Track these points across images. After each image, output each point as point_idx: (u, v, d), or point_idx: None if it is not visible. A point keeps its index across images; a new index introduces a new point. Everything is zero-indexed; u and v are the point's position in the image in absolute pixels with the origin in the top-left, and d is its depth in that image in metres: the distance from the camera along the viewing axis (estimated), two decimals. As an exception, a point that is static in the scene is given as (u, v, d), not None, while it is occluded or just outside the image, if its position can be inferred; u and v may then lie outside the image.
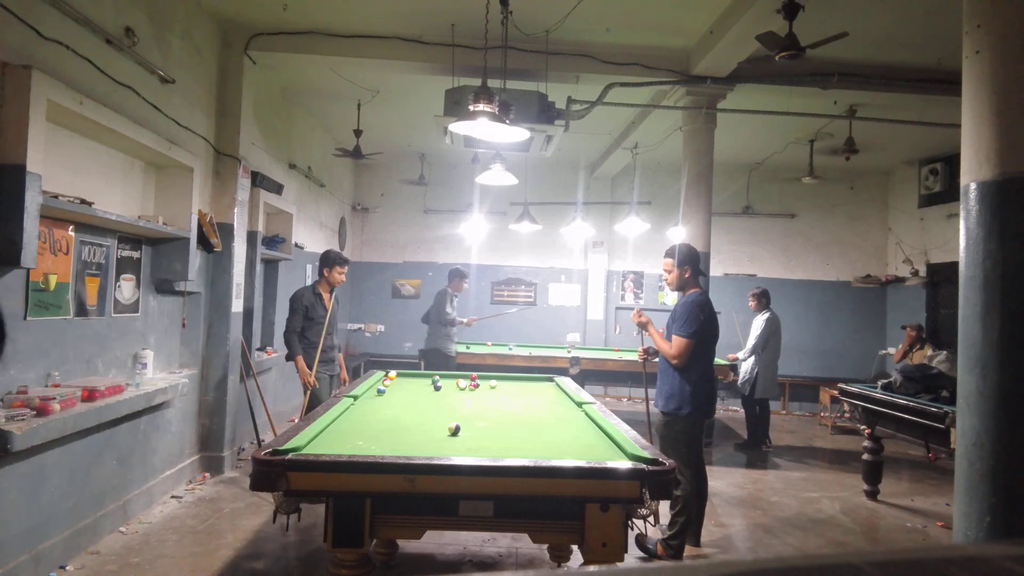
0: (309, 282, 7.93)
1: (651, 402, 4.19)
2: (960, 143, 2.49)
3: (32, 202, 2.99)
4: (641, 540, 3.86)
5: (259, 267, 5.96)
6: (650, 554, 3.87)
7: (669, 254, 4.00)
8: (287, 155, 6.95)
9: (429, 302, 9.94)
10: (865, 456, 5.32)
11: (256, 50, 5.32)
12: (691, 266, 3.94)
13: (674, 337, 3.83)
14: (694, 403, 3.82)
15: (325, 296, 5.18)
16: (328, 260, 5.23)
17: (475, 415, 3.46)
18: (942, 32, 4.82)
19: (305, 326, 5.07)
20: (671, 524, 3.84)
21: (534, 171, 8.93)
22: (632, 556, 3.63)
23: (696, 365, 3.83)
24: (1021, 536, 2.28)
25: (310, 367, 5.05)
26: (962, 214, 2.44)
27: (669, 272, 3.98)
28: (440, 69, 5.36)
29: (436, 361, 6.66)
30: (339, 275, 5.20)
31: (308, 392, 5.08)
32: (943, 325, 8.38)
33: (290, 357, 5.09)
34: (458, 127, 4.01)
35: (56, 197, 3.25)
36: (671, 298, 4.42)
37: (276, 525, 3.71)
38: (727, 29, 4.59)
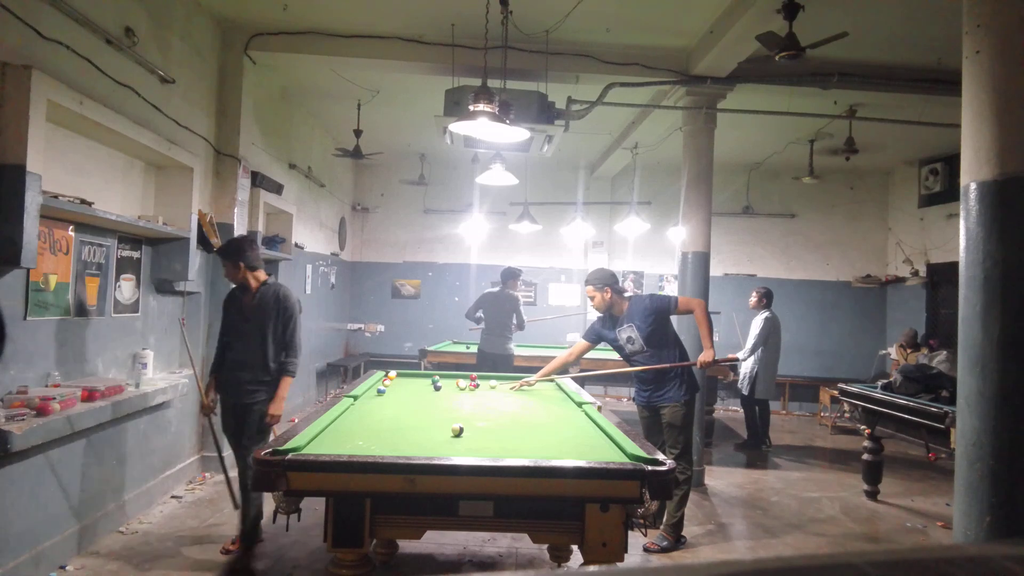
0: (308, 283, 7.95)
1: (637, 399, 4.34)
2: (960, 143, 2.49)
3: (32, 202, 2.99)
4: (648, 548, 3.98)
5: (259, 267, 5.96)
6: (661, 549, 3.95)
7: (588, 281, 4.21)
8: (287, 155, 6.94)
9: (429, 302, 10.06)
10: (865, 456, 5.32)
11: (256, 50, 5.32)
12: (611, 285, 4.16)
13: (679, 299, 4.18)
14: (693, 384, 4.15)
15: (246, 298, 3.86)
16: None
17: (475, 415, 3.46)
18: (942, 32, 4.82)
19: (223, 333, 3.95)
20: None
21: (534, 171, 8.93)
22: (632, 556, 3.64)
23: (676, 348, 4.16)
24: (1021, 536, 2.28)
25: (216, 386, 3.91)
26: (962, 214, 2.44)
27: (593, 297, 4.18)
28: (440, 69, 5.36)
29: (504, 365, 6.36)
30: (224, 269, 3.90)
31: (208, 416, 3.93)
32: (943, 325, 8.38)
33: None
34: (458, 127, 4.01)
35: (56, 197, 3.25)
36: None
37: (276, 525, 3.70)
38: (727, 29, 4.59)
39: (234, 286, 3.95)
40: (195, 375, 4.26)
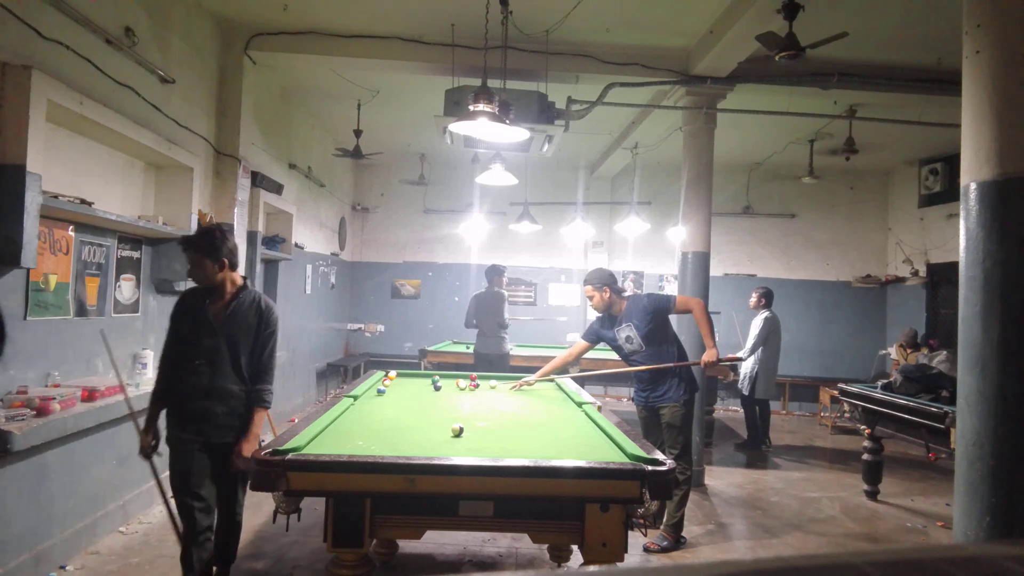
0: (308, 283, 7.93)
1: (637, 401, 4.32)
2: (960, 143, 2.49)
3: (32, 202, 2.99)
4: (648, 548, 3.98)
5: (259, 267, 5.96)
6: (661, 549, 3.96)
7: (587, 281, 4.21)
8: (287, 155, 6.95)
9: (429, 302, 10.06)
10: (865, 456, 5.32)
11: (256, 50, 5.32)
12: (610, 285, 4.16)
13: (678, 298, 4.22)
14: (692, 384, 4.16)
15: (215, 306, 3.03)
16: None
17: (475, 415, 3.46)
18: (942, 32, 4.82)
19: (175, 350, 3.04)
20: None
21: (534, 171, 8.93)
22: (632, 556, 3.64)
23: (675, 346, 4.16)
24: (1021, 536, 2.28)
25: (156, 420, 3.06)
26: (962, 214, 2.44)
27: (592, 297, 4.18)
28: (440, 69, 5.36)
29: (501, 364, 6.31)
30: (196, 268, 3.03)
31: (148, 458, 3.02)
32: (943, 325, 8.38)
33: None
34: (458, 127, 4.01)
35: (56, 197, 3.25)
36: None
37: (276, 525, 3.70)
38: (727, 29, 4.59)
39: (191, 290, 3.13)
40: (126, 401, 3.26)
